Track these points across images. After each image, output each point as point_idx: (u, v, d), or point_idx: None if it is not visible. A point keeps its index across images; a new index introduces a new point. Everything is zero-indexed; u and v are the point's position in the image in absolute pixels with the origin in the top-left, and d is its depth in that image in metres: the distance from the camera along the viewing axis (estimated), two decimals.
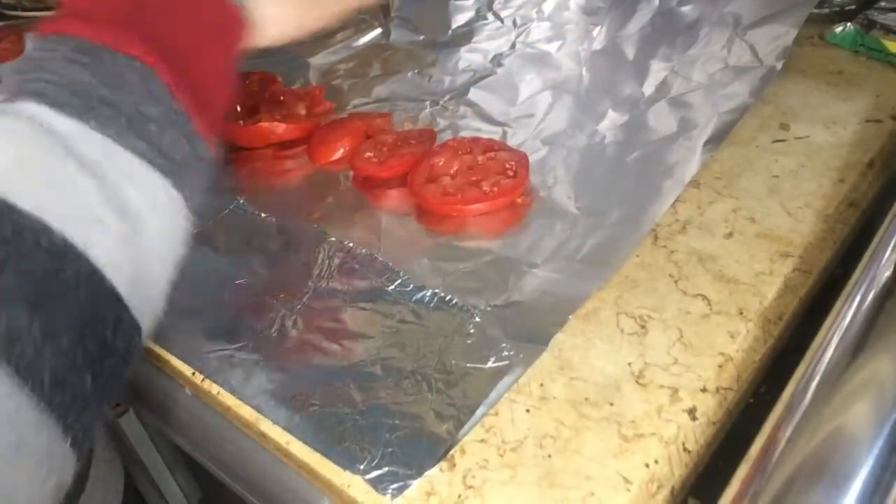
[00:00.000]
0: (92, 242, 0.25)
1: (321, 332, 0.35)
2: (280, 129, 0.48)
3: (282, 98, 0.52)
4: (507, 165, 0.42)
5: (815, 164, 0.40)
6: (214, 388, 0.33)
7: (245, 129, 0.48)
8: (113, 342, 0.25)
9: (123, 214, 0.26)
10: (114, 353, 0.25)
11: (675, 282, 0.35)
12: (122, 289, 0.25)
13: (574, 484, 0.27)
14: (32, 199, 0.24)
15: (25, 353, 0.22)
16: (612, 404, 0.30)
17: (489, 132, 0.47)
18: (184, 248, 0.29)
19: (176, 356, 0.35)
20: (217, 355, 0.34)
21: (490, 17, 0.61)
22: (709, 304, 0.33)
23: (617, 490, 0.27)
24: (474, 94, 0.52)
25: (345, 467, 0.29)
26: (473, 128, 0.48)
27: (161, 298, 0.29)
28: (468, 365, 0.32)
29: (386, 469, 0.28)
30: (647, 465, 0.27)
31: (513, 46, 0.57)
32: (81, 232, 0.24)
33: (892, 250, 0.30)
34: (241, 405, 0.32)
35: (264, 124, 0.48)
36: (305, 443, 0.30)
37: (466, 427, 0.29)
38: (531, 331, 0.33)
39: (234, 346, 0.34)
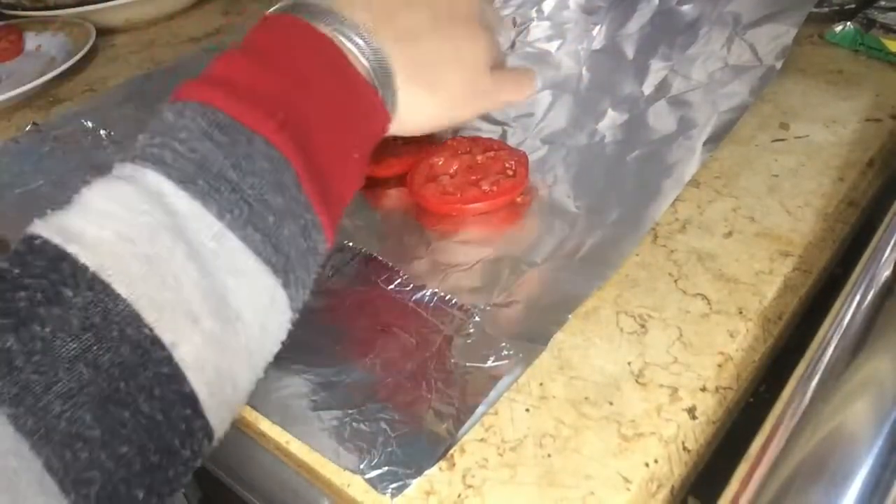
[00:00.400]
0: (181, 340, 0.23)
1: (320, 332, 0.35)
2: None
3: None
4: (507, 165, 0.42)
5: (814, 163, 0.40)
6: None
7: None
8: (179, 450, 0.23)
9: (221, 312, 0.24)
10: (177, 461, 0.23)
11: (675, 281, 0.35)
12: (202, 392, 0.23)
13: (574, 483, 0.27)
14: (129, 283, 0.22)
15: (79, 459, 0.20)
16: (611, 403, 0.30)
17: (489, 131, 0.47)
18: (279, 348, 0.28)
19: None
20: None
21: None
22: (708, 304, 0.33)
23: (617, 489, 0.27)
24: None
25: (344, 467, 0.29)
26: (473, 127, 0.48)
27: (242, 402, 0.27)
28: (468, 364, 0.32)
29: (385, 468, 0.28)
30: (646, 465, 0.27)
31: (512, 45, 0.57)
32: (172, 326, 0.23)
33: (892, 249, 0.30)
34: None
35: None
36: (305, 442, 0.30)
37: (466, 426, 0.29)
38: (531, 330, 0.33)
39: None
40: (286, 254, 0.26)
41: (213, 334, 0.24)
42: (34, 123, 0.57)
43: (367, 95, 0.31)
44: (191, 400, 0.23)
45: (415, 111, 0.34)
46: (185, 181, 0.25)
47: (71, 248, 0.22)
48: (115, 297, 0.22)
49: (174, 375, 0.23)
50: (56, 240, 0.23)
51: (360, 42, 0.31)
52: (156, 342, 0.22)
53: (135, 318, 0.22)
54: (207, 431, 0.24)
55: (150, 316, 0.22)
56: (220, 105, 0.26)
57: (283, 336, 0.28)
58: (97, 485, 0.21)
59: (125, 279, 0.22)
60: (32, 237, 0.23)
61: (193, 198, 0.25)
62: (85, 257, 0.22)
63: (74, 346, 0.21)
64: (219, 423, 0.25)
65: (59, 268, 0.22)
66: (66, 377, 0.21)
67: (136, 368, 0.22)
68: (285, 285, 0.26)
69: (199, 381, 0.23)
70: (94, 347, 0.21)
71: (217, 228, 0.25)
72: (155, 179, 0.25)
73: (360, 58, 0.31)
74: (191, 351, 0.23)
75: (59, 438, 0.20)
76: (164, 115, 0.27)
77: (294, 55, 0.29)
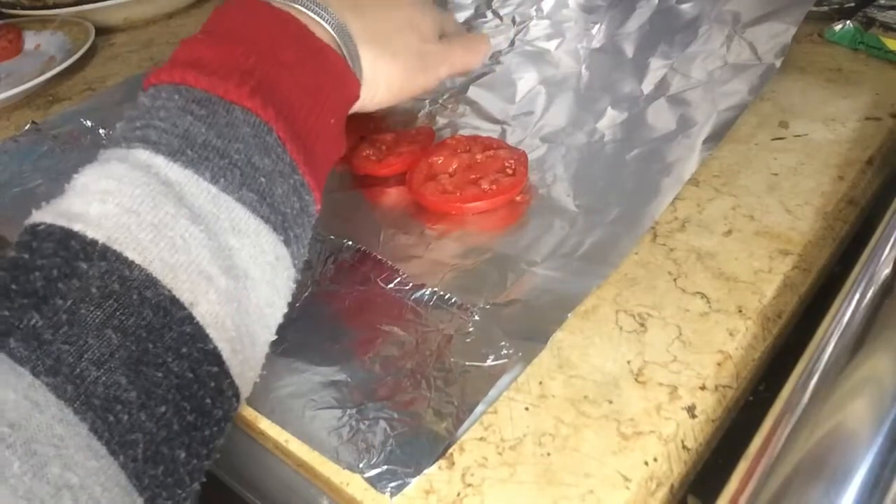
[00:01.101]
0: (198, 299, 0.23)
1: (319, 330, 0.35)
2: None
3: None
4: (506, 163, 0.42)
5: (814, 161, 0.40)
6: None
7: None
8: (211, 409, 0.24)
9: (231, 271, 0.25)
10: (210, 421, 0.24)
11: (674, 280, 0.34)
12: (225, 350, 0.24)
13: (573, 482, 0.27)
14: (141, 250, 0.23)
15: (121, 422, 0.21)
16: (611, 402, 0.30)
17: (488, 130, 0.47)
18: (287, 309, 0.28)
19: None
20: None
21: (489, 14, 0.61)
22: (708, 302, 0.33)
23: (616, 488, 0.27)
24: (473, 93, 0.52)
25: (344, 466, 0.28)
26: (472, 126, 0.48)
27: (261, 362, 0.27)
28: (467, 363, 0.32)
29: (385, 467, 0.28)
30: (646, 463, 0.27)
31: (512, 44, 0.57)
32: (188, 286, 0.23)
33: (892, 248, 0.30)
34: None
35: None
36: (304, 441, 0.30)
37: (465, 425, 0.29)
38: (530, 329, 0.33)
39: None
40: (282, 212, 0.27)
41: (227, 291, 0.24)
42: (33, 122, 0.57)
43: (335, 62, 0.32)
44: (215, 357, 0.24)
45: (379, 77, 0.35)
46: (173, 153, 0.25)
47: (76, 227, 0.23)
48: (129, 263, 0.22)
49: (197, 334, 0.23)
50: (60, 222, 0.23)
51: (321, 12, 0.32)
52: (175, 302, 0.23)
53: (152, 282, 0.23)
54: (235, 390, 0.25)
55: (165, 278, 0.23)
56: (192, 83, 0.27)
57: (289, 296, 0.28)
58: (141, 446, 0.21)
59: (136, 246, 0.23)
60: (34, 225, 0.24)
61: (185, 167, 0.25)
62: (92, 232, 0.23)
63: (99, 313, 0.22)
64: (243, 382, 0.25)
65: (69, 245, 0.23)
66: (97, 343, 0.21)
67: (161, 329, 0.22)
68: (286, 243, 0.27)
69: (220, 339, 0.24)
70: (118, 313, 0.22)
71: (213, 192, 0.25)
72: (144, 155, 0.25)
73: (323, 25, 0.32)
74: (209, 309, 0.24)
75: (99, 403, 0.21)
76: (139, 101, 0.28)
77: (257, 31, 0.30)
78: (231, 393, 0.25)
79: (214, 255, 0.24)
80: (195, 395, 0.23)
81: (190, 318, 0.23)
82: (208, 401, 0.24)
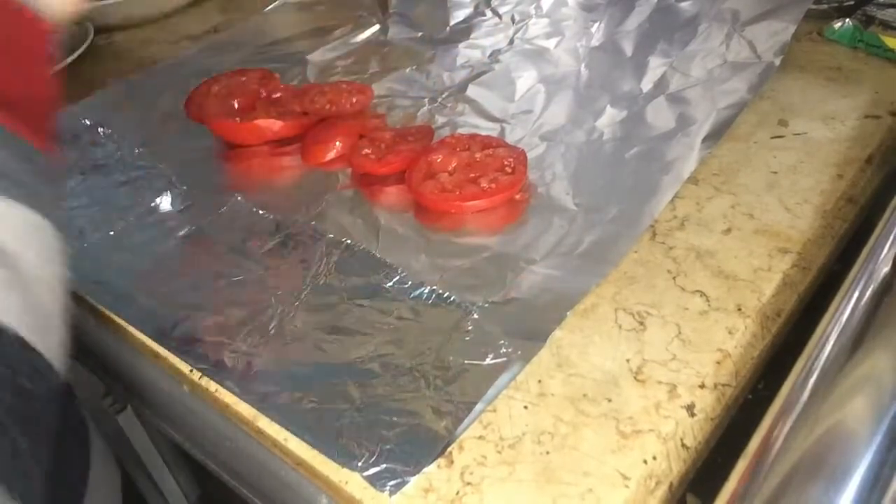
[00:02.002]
0: None
1: (319, 328, 0.34)
2: (276, 126, 0.48)
3: (278, 95, 0.52)
4: (506, 162, 0.42)
5: (813, 160, 0.40)
6: (212, 386, 0.33)
7: (241, 127, 0.48)
8: (33, 390, 0.24)
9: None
10: (37, 400, 0.24)
11: (674, 278, 0.34)
12: (26, 333, 0.24)
13: (572, 480, 0.27)
14: None
15: None
16: (610, 401, 0.30)
17: (487, 129, 0.47)
18: (64, 269, 0.28)
19: (173, 353, 0.35)
20: (215, 352, 0.34)
21: (488, 13, 0.61)
22: (707, 301, 0.33)
23: (615, 486, 0.27)
24: (472, 91, 0.52)
25: (343, 464, 0.28)
26: (471, 124, 0.48)
27: (62, 326, 0.27)
28: (466, 362, 0.31)
29: (384, 466, 0.28)
30: (645, 462, 0.27)
31: (511, 42, 0.57)
32: None
33: (891, 246, 0.30)
34: (239, 402, 0.32)
35: (260, 121, 0.48)
36: (303, 440, 0.30)
37: (464, 424, 0.29)
38: (529, 327, 0.33)
39: (231, 343, 0.34)
40: (19, 181, 0.26)
41: (5, 281, 0.24)
42: None
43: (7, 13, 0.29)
44: (21, 343, 0.23)
45: None
46: None
47: None
48: None
49: None
50: None
51: None
52: None
53: None
54: (47, 365, 0.25)
55: None
56: None
57: (61, 250, 0.27)
58: None
59: None
60: None
61: None
62: None
63: None
64: (52, 357, 0.25)
65: None
66: None
67: None
68: (37, 209, 0.26)
69: (19, 325, 0.23)
70: None
71: None
72: None
73: None
74: None
75: None
76: None
77: None
78: (45, 368, 0.25)
79: None
80: (15, 383, 0.23)
81: None
82: (27, 382, 0.23)
